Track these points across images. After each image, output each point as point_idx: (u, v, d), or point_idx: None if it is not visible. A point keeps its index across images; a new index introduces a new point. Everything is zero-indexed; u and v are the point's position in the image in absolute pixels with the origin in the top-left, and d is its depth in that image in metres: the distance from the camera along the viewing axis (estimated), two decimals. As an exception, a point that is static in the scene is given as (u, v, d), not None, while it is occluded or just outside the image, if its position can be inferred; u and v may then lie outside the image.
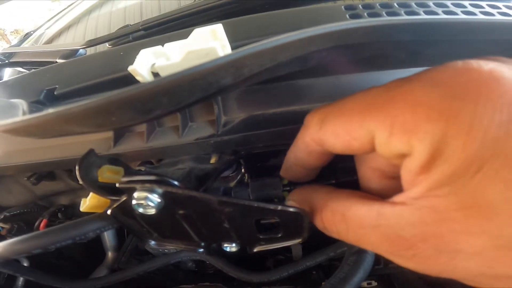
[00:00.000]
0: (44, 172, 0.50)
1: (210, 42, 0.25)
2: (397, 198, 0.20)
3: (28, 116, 0.21)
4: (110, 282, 0.53)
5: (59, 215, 0.62)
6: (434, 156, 0.17)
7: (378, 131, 0.18)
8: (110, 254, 0.64)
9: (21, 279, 0.55)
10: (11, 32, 7.05)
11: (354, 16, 0.31)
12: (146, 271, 0.51)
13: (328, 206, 0.23)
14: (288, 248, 0.55)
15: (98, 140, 0.40)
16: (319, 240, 0.51)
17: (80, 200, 0.39)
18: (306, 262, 0.43)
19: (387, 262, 0.52)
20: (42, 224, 0.59)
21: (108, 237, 0.64)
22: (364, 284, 0.46)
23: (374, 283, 0.46)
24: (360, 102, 0.20)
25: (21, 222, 0.63)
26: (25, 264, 0.56)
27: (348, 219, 0.22)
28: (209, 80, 0.20)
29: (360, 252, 0.33)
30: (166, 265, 0.50)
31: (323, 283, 0.49)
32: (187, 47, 0.26)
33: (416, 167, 0.18)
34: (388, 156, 0.19)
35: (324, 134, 0.22)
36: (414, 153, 0.17)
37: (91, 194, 0.38)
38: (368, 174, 0.25)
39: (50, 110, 0.20)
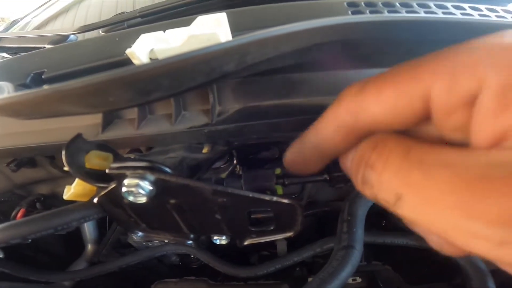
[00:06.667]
0: (25, 158, 0.48)
1: (212, 29, 0.25)
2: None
3: (22, 92, 0.20)
4: (90, 275, 0.52)
5: (37, 205, 0.60)
6: None
7: (437, 80, 0.16)
8: (90, 247, 0.62)
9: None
10: (-4, 19, 6.76)
11: (356, 13, 0.32)
12: (128, 264, 0.50)
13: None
14: (272, 244, 0.55)
15: (85, 126, 0.39)
16: (304, 237, 0.52)
17: (61, 189, 0.37)
18: (293, 258, 0.43)
19: (370, 259, 0.53)
20: (19, 214, 0.56)
21: (89, 229, 0.62)
22: (349, 280, 0.47)
23: (358, 279, 0.47)
24: (406, 65, 0.17)
25: (-3, 211, 0.60)
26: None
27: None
28: (212, 65, 0.20)
29: (348, 248, 0.34)
30: (149, 258, 0.49)
31: (309, 278, 0.50)
32: (189, 33, 0.26)
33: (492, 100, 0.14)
34: (453, 105, 0.16)
35: (363, 100, 0.19)
36: (489, 82, 0.14)
37: (76, 181, 0.36)
38: None
39: (45, 87, 0.19)
